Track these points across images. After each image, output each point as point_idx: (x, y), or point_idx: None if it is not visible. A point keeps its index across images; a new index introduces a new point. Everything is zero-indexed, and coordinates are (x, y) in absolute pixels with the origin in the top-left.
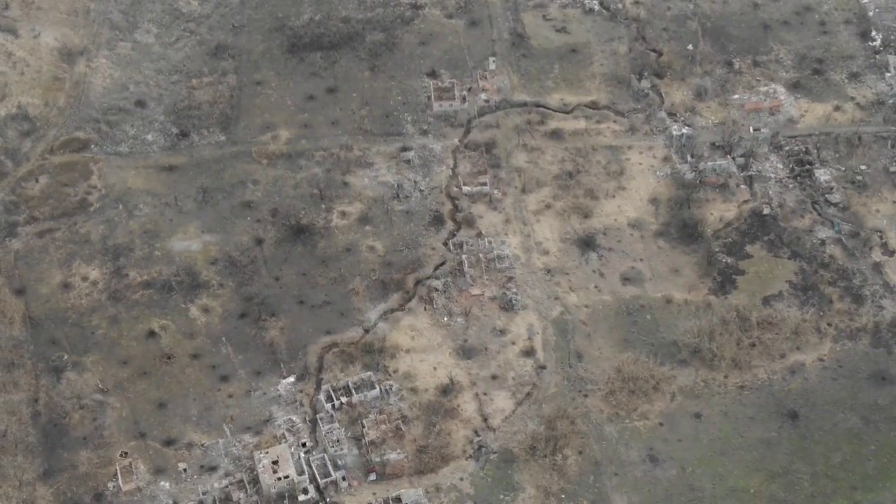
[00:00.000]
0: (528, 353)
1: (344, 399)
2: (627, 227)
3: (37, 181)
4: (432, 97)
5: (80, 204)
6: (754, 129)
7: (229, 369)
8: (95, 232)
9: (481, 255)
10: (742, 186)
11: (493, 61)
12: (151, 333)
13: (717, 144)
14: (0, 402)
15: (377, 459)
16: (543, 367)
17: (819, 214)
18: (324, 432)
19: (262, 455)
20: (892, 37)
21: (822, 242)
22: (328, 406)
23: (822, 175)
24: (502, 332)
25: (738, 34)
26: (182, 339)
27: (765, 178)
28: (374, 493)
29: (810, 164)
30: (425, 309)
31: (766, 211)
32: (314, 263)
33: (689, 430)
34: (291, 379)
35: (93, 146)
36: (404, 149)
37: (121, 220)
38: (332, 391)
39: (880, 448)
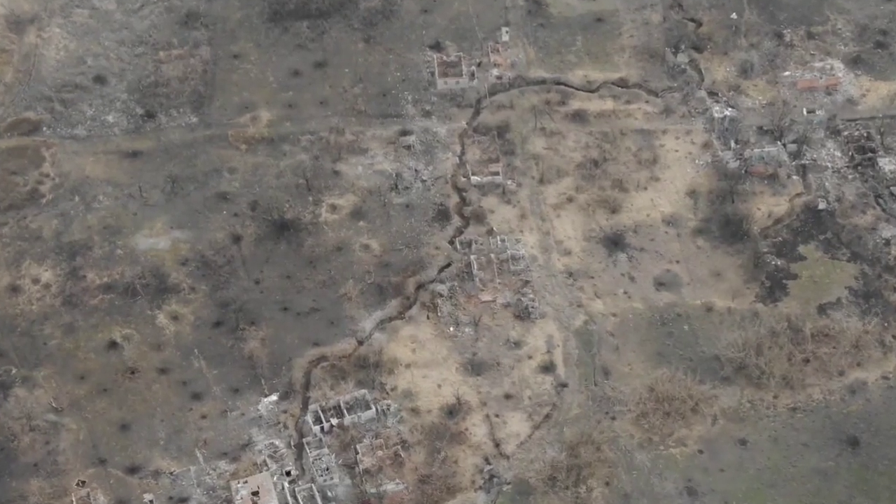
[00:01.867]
0: (547, 368)
1: (334, 421)
2: (661, 223)
3: None
4: (436, 73)
5: (30, 195)
6: (808, 112)
7: (202, 386)
8: (48, 227)
9: (493, 255)
10: (794, 177)
11: (507, 32)
12: (113, 344)
13: (765, 129)
14: None
15: (373, 491)
16: (564, 385)
17: (883, 210)
18: (311, 459)
19: (239, 485)
20: None
21: (887, 242)
22: (316, 429)
23: (887, 164)
24: (517, 344)
25: (790, 1)
26: (148, 351)
27: (820, 168)
28: None
29: (873, 151)
30: (428, 317)
31: (821, 206)
32: (300, 264)
33: (733, 458)
34: (274, 397)
35: (45, 128)
36: (404, 133)
37: (77, 214)
38: (320, 412)
39: None
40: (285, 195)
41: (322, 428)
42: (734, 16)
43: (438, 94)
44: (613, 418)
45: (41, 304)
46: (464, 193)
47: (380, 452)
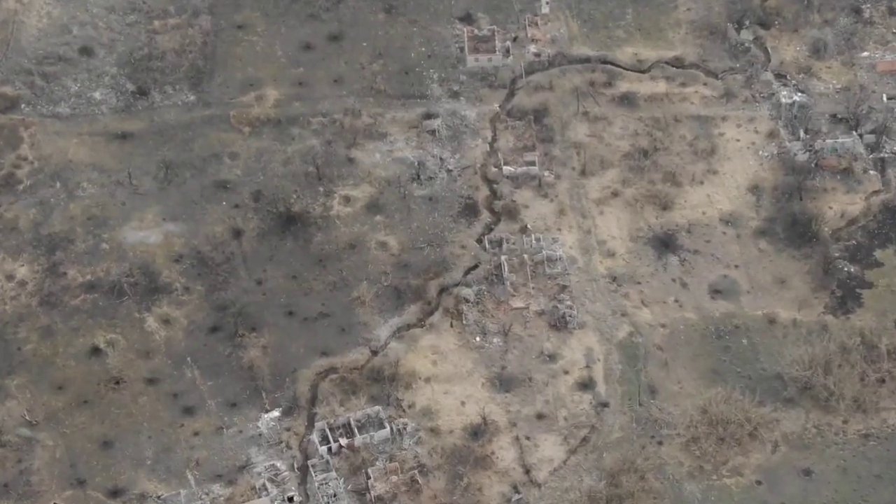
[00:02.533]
0: (586, 385)
1: (344, 441)
2: (719, 223)
3: None
4: (466, 49)
5: (5, 181)
6: (889, 98)
7: (195, 399)
8: (25, 217)
9: (526, 256)
10: (871, 172)
11: (547, 2)
12: (95, 350)
13: (839, 117)
14: None
15: None
16: (605, 405)
17: None
18: (317, 484)
19: None
20: None
21: None
22: (323, 449)
23: None
24: (552, 357)
25: None
26: (135, 359)
27: None
28: None
29: None
30: (452, 325)
31: None
32: (308, 263)
33: (797, 490)
34: (276, 413)
35: (24, 105)
36: (428, 116)
37: (58, 203)
38: (328, 430)
39: None
40: (293, 185)
41: (329, 449)
42: None
43: (468, 72)
44: (660, 443)
45: (16, 303)
46: (494, 186)
47: (394, 478)
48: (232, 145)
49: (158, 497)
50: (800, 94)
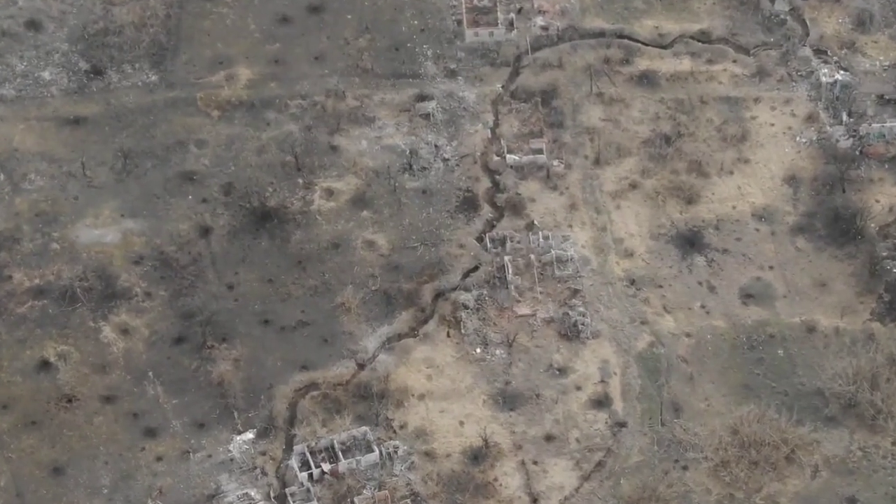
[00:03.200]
0: (601, 403)
1: (326, 466)
2: (751, 218)
3: None
4: (464, 22)
5: None
6: None
7: (158, 419)
8: None
9: (533, 256)
10: None
11: None
12: (45, 364)
13: (886, 98)
14: None
15: None
16: (623, 425)
17: None
18: None
19: None
20: None
21: None
22: (303, 476)
23: None
24: (562, 371)
25: None
26: (89, 374)
27: None
28: None
29: None
30: (449, 335)
31: None
32: (285, 265)
33: None
34: (250, 435)
35: None
36: (421, 98)
37: (2, 197)
38: (309, 454)
39: None
40: (268, 176)
41: (310, 475)
42: None
43: (466, 48)
44: (685, 468)
45: None
46: (497, 177)
47: None
48: (199, 132)
49: None
50: (842, 72)
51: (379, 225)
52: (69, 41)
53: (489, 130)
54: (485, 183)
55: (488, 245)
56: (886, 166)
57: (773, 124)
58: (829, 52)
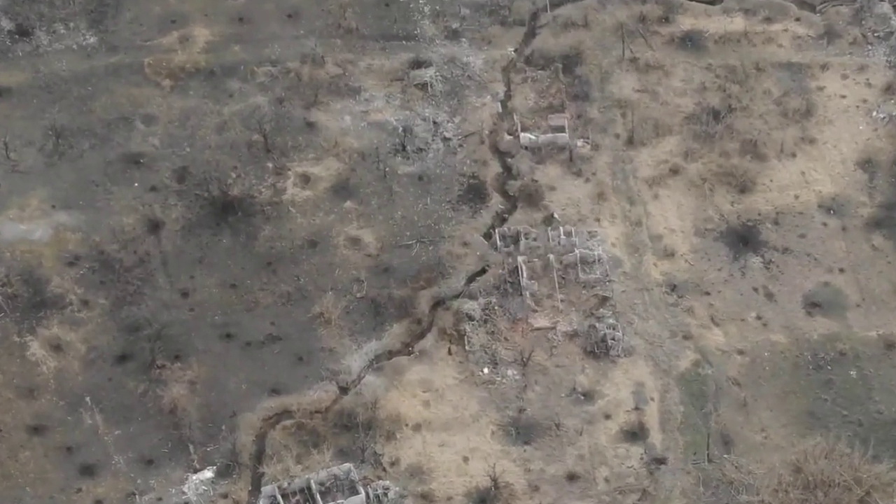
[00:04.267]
0: (635, 434)
1: None
2: (818, 210)
3: None
4: None
5: None
6: None
7: (98, 454)
8: None
9: (552, 257)
10: None
11: None
12: None
13: None
14: None
15: None
16: (662, 462)
17: None
18: None
19: None
20: None
21: None
22: None
23: None
24: (588, 396)
25: None
26: (14, 399)
27: None
28: None
29: None
30: (450, 352)
31: None
32: (252, 267)
33: None
34: (208, 474)
35: None
36: (417, 64)
37: None
38: (280, 497)
39: None
40: (231, 159)
41: None
42: None
43: (472, 3)
44: None
45: None
46: (509, 160)
47: None
48: (147, 105)
49: None
50: None
51: (365, 218)
52: None
53: (499, 104)
54: (494, 167)
55: (498, 243)
56: None
57: (844, 96)
58: None
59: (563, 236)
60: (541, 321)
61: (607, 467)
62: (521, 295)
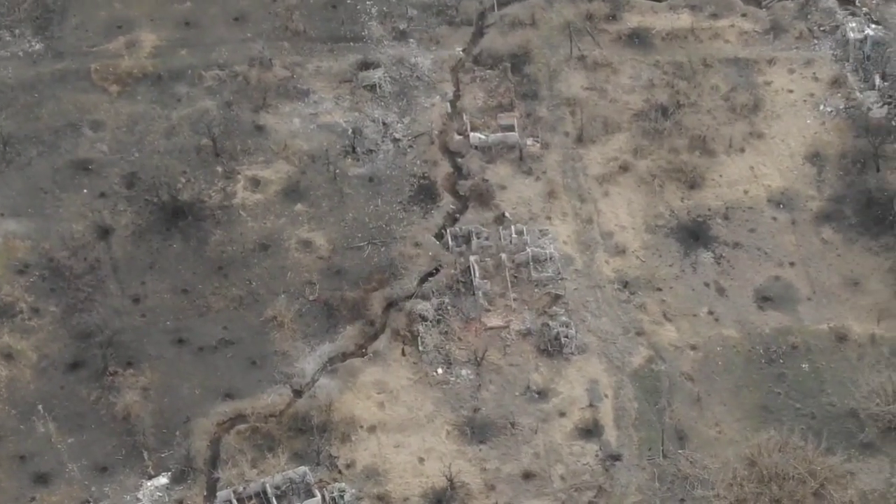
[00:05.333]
0: (590, 431)
1: None
2: (767, 204)
3: None
4: None
5: None
6: None
7: (50, 462)
8: None
9: (504, 256)
10: None
11: None
12: None
13: None
14: None
15: None
16: (617, 458)
17: None
18: None
19: None
20: None
21: None
22: None
23: None
24: (542, 394)
25: None
26: None
27: None
28: None
29: None
30: (404, 353)
31: None
32: (203, 272)
33: None
34: (163, 480)
35: None
36: (366, 65)
37: None
38: (235, 501)
39: None
40: (180, 164)
41: None
42: None
43: (419, 4)
44: None
45: None
46: (459, 160)
47: None
48: (94, 111)
49: None
50: (874, 25)
51: (316, 221)
52: None
53: (448, 104)
54: (444, 167)
55: (450, 243)
56: None
57: (791, 91)
58: (857, 3)
59: (514, 235)
60: (494, 320)
61: (563, 465)
62: (473, 294)
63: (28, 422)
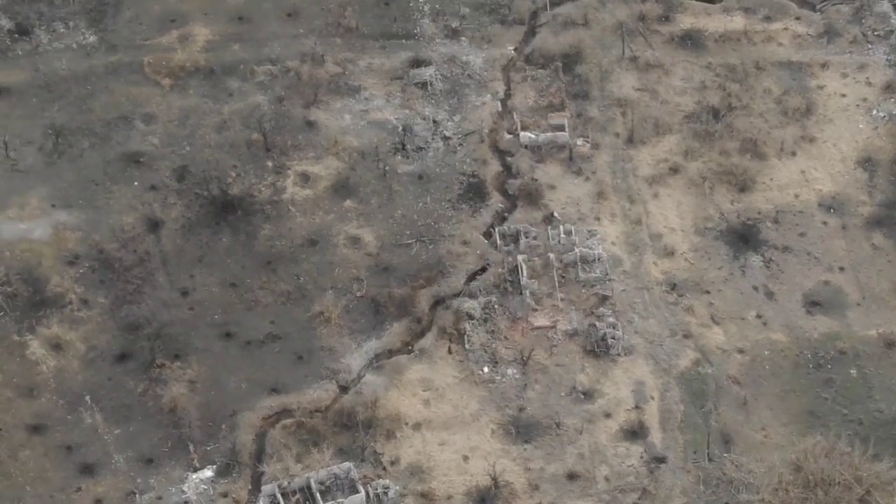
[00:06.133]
0: (635, 433)
1: None
2: (818, 209)
3: None
4: None
5: None
6: None
7: (97, 453)
8: None
9: (552, 256)
10: None
11: None
12: None
13: None
14: None
15: None
16: (662, 461)
17: None
18: None
19: None
20: None
21: None
22: None
23: None
24: (588, 395)
25: None
26: (13, 398)
27: None
28: None
29: None
30: (450, 351)
31: None
32: (252, 266)
33: None
34: (208, 473)
35: None
36: (417, 63)
37: None
38: (280, 496)
39: None
40: (230, 158)
41: None
42: None
43: (472, 2)
44: None
45: None
46: (508, 159)
47: None
48: (146, 104)
49: None
50: None
51: (365, 217)
52: None
53: (499, 103)
54: (494, 166)
55: (498, 242)
56: None
57: (844, 95)
58: None
59: (562, 235)
60: (541, 320)
61: (607, 466)
62: (521, 294)
63: (75, 412)
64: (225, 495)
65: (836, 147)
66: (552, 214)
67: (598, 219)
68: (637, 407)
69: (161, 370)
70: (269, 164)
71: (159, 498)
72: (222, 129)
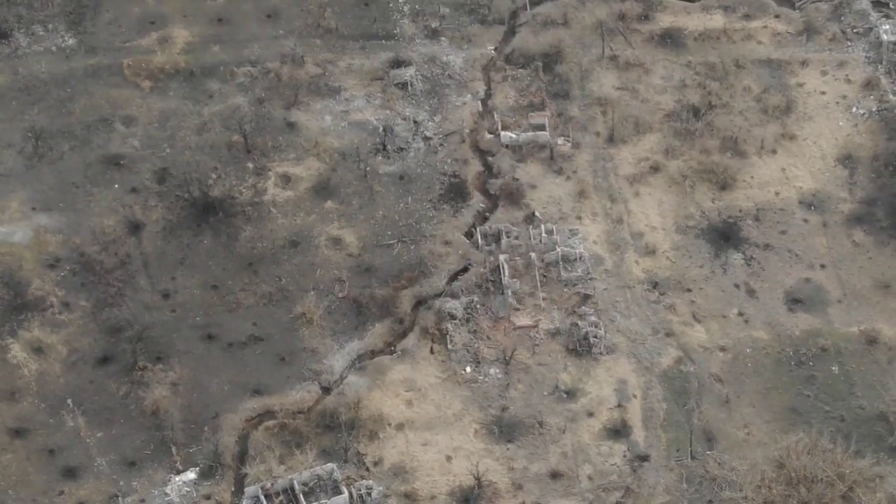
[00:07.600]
0: (618, 432)
1: None
2: (798, 206)
3: None
4: None
5: None
6: None
7: (80, 456)
8: None
9: (534, 255)
10: None
11: None
12: None
13: None
14: None
15: None
16: (645, 459)
17: None
18: None
19: None
20: None
21: None
22: None
23: None
24: (570, 393)
25: None
26: None
27: None
28: None
29: None
30: (432, 351)
31: None
32: (233, 268)
33: None
34: (191, 475)
35: None
36: (398, 63)
37: None
38: (263, 497)
39: None
40: (211, 160)
41: None
42: None
43: (451, 2)
44: None
45: None
46: (490, 158)
47: None
48: (126, 106)
49: None
50: None
51: (346, 218)
52: None
53: (479, 103)
54: (475, 166)
55: (479, 242)
56: None
57: (823, 92)
58: (891, 5)
59: (544, 234)
60: (523, 320)
61: (590, 465)
62: (502, 293)
63: (57, 416)
64: (208, 497)
65: (816, 144)
66: (533, 214)
67: (579, 218)
68: (620, 405)
69: (143, 373)
70: (250, 165)
71: (142, 501)
72: (203, 130)
